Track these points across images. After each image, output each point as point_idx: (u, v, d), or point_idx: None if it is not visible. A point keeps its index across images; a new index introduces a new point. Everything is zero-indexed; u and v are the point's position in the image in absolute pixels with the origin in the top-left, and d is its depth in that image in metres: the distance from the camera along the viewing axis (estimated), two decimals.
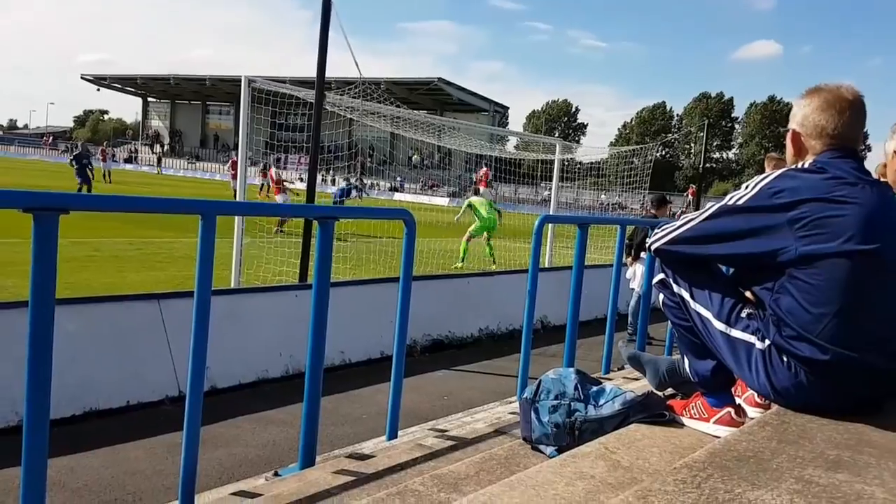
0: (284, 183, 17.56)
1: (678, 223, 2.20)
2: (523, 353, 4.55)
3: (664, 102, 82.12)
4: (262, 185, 26.50)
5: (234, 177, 20.20)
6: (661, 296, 2.32)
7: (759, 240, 2.01)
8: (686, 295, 2.20)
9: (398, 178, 54.77)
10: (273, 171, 18.09)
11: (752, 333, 2.08)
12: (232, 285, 7.66)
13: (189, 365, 2.79)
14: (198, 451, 2.75)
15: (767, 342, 2.04)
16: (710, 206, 2.14)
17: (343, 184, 22.33)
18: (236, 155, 20.86)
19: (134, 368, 5.14)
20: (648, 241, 2.29)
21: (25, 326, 2.19)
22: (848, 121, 2.10)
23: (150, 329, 5.30)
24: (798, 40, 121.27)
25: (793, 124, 2.20)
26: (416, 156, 58.73)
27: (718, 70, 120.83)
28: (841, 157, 2.07)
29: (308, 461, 3.17)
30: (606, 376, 5.29)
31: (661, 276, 2.29)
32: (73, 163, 22.10)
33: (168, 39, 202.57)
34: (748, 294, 2.20)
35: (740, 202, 2.06)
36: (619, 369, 5.79)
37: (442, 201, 46.37)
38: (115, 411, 4.89)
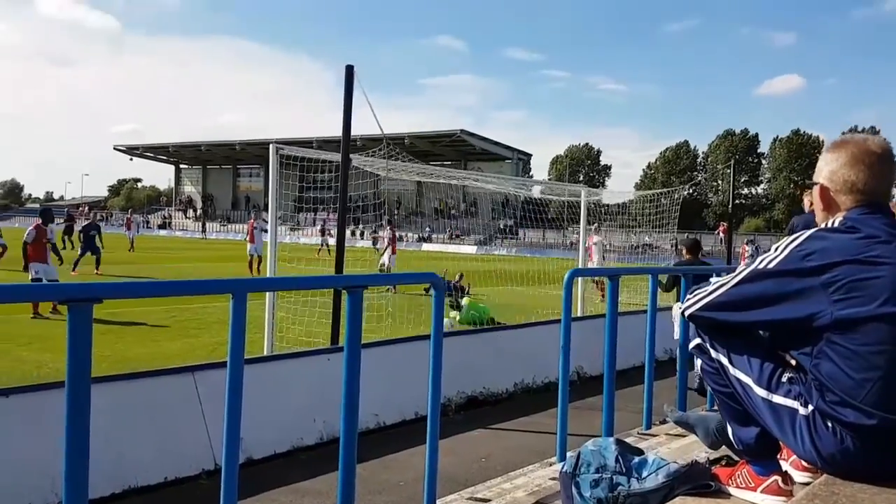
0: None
1: (710, 287, 2.15)
2: (560, 413, 4.47)
3: (687, 141, 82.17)
4: (322, 244, 28.11)
5: (252, 240, 21.08)
6: (699, 361, 2.26)
7: (793, 305, 1.96)
8: (724, 360, 2.15)
9: (427, 228, 55.09)
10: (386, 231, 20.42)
11: (795, 398, 2.01)
12: (265, 351, 7.69)
13: (223, 448, 2.78)
14: None
15: (811, 407, 1.97)
16: (742, 271, 2.09)
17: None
18: (258, 217, 21.83)
19: (170, 443, 5.14)
20: (681, 306, 2.24)
21: (63, 407, 2.22)
22: (877, 174, 2.05)
23: (185, 402, 5.31)
24: (821, 73, 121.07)
25: (820, 178, 2.14)
26: (441, 204, 59.08)
27: (742, 106, 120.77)
28: (871, 214, 2.02)
29: None
30: (648, 432, 5.17)
31: (698, 340, 2.24)
32: (81, 234, 21.51)
33: (197, 106, 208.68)
34: (788, 357, 2.14)
35: (771, 265, 2.01)
36: (661, 422, 5.65)
37: (470, 249, 46.54)
38: (152, 488, 4.87)
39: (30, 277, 12.17)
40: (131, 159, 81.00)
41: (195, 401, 5.33)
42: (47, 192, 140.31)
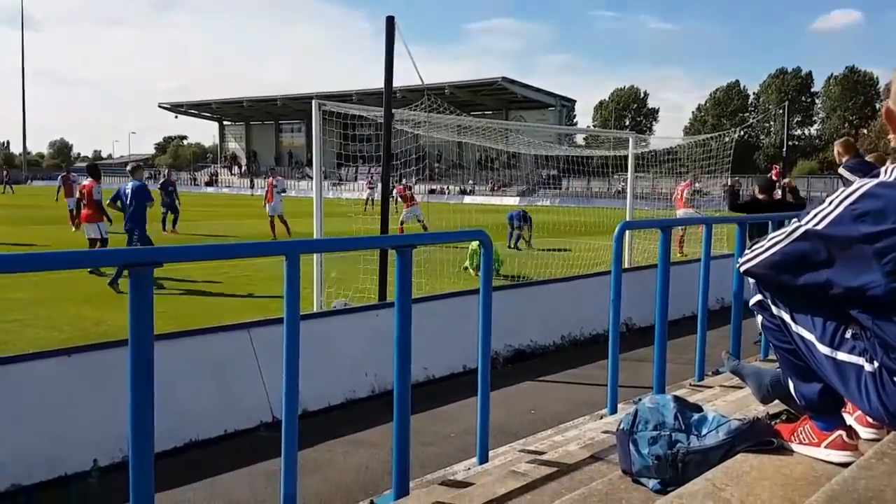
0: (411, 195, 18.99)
1: (766, 243, 2.07)
2: (611, 365, 4.46)
3: (738, 81, 79.56)
4: (368, 198, 27.95)
5: (270, 199, 19.67)
6: (760, 317, 2.20)
7: (845, 272, 1.86)
8: (787, 317, 2.08)
9: (471, 182, 54.83)
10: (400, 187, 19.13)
11: (860, 355, 1.94)
12: (315, 308, 7.81)
13: (283, 399, 2.84)
14: (297, 480, 2.80)
15: (876, 364, 1.90)
16: (797, 227, 1.98)
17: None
18: (275, 176, 20.88)
19: (228, 397, 5.30)
20: (739, 261, 2.18)
21: (124, 364, 2.29)
22: None
23: (242, 357, 5.45)
24: (880, 4, 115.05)
25: (890, 101, 1.98)
26: (482, 156, 58.67)
27: (795, 44, 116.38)
28: None
29: (402, 490, 3.18)
30: (701, 383, 5.13)
31: (759, 297, 2.18)
32: (161, 192, 21.24)
33: (240, 62, 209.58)
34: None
35: (821, 225, 1.90)
36: (713, 373, 5.60)
37: (512, 200, 46.21)
38: (213, 441, 5.05)
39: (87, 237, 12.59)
40: (176, 117, 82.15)
41: (251, 356, 5.47)
42: (95, 151, 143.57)
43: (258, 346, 5.49)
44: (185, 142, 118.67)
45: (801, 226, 1.97)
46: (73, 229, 17.85)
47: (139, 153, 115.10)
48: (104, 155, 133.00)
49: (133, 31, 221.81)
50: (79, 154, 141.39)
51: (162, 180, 22.99)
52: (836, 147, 8.03)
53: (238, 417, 5.25)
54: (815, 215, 1.94)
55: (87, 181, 13.08)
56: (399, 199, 18.56)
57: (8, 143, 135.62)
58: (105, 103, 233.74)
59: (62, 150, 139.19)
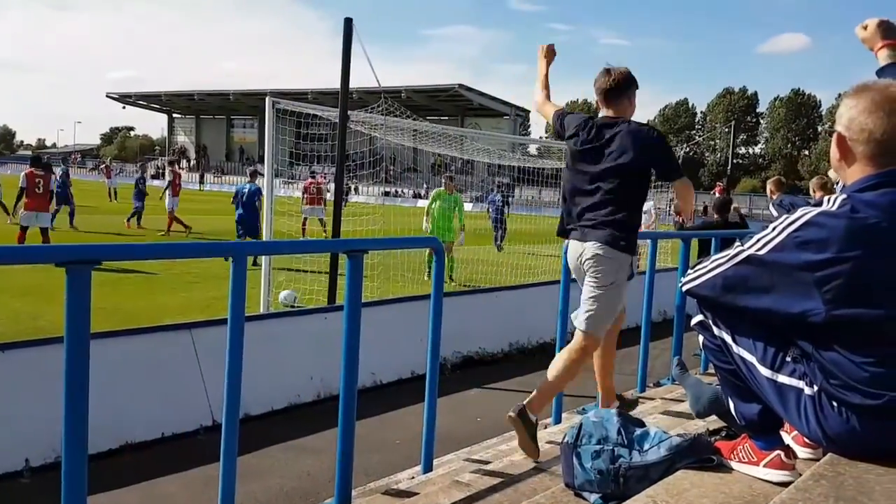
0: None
1: (709, 265, 2.10)
2: None
3: (686, 99, 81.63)
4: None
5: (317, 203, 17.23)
6: (702, 337, 2.24)
7: (785, 298, 1.90)
8: (728, 338, 2.12)
9: (425, 186, 54.81)
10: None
11: (800, 378, 1.98)
12: (261, 309, 7.69)
13: (224, 403, 2.78)
14: (235, 487, 2.75)
15: (816, 387, 1.95)
16: (739, 251, 2.01)
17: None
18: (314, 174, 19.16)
19: (168, 399, 5.17)
20: (682, 280, 2.21)
21: (61, 363, 2.21)
22: None
23: (183, 359, 5.32)
24: (827, 31, 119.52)
25: (839, 126, 2.01)
26: (438, 161, 58.72)
27: (743, 64, 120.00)
28: (880, 185, 1.90)
29: (344, 498, 3.15)
30: (643, 394, 5.21)
31: (700, 317, 2.22)
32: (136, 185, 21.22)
33: (194, 54, 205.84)
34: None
35: (764, 251, 1.94)
36: (654, 385, 5.70)
37: (466, 206, 46.33)
38: (150, 443, 4.91)
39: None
40: (123, 107, 79.94)
41: (193, 358, 5.34)
42: (39, 140, 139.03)
43: (200, 348, 5.37)
44: (132, 133, 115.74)
45: (743, 250, 2.00)
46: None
47: (84, 143, 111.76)
48: (48, 143, 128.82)
49: (85, 16, 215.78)
50: (21, 142, 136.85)
51: (137, 176, 22.17)
52: (769, 186, 8.31)
53: (177, 420, 5.13)
54: (758, 241, 1.97)
55: (38, 171, 12.85)
56: (304, 194, 16.48)
57: None
58: (52, 91, 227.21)
59: (4, 136, 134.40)
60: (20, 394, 4.54)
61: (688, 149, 68.67)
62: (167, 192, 19.29)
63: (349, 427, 3.15)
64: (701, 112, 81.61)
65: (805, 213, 1.91)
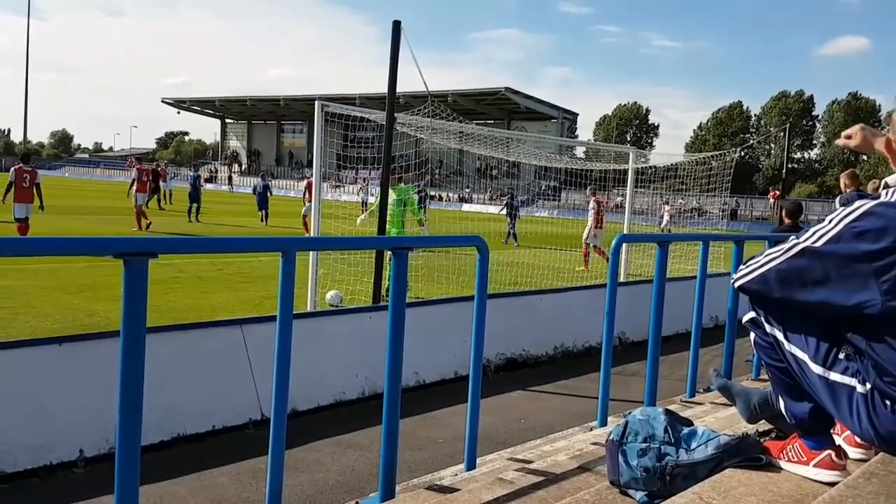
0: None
1: (762, 259, 2.07)
2: (602, 378, 4.45)
3: (740, 102, 79.85)
4: (363, 201, 27.57)
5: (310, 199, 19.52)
6: (753, 335, 2.20)
7: (842, 290, 1.86)
8: (779, 335, 2.08)
9: (467, 189, 54.89)
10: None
11: (852, 376, 1.94)
12: (308, 307, 7.79)
13: (273, 398, 2.83)
14: (283, 479, 2.79)
15: (868, 385, 1.90)
16: (794, 245, 1.98)
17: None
18: (310, 174, 20.80)
19: (218, 393, 5.28)
20: (734, 276, 2.18)
21: (115, 356, 2.27)
22: None
23: (234, 354, 5.43)
24: (888, 33, 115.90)
25: (891, 133, 2.04)
26: (483, 164, 58.70)
27: (799, 67, 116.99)
28: None
29: (388, 493, 3.16)
30: (692, 399, 5.12)
31: (752, 314, 2.18)
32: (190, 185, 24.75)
33: (245, 60, 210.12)
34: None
35: (820, 242, 1.91)
36: (705, 391, 5.59)
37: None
38: (200, 436, 5.02)
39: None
40: (178, 112, 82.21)
41: (243, 352, 5.45)
42: (96, 143, 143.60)
43: (250, 343, 5.48)
44: (186, 138, 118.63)
45: (798, 243, 1.97)
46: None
47: (140, 147, 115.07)
48: (105, 147, 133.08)
49: (139, 22, 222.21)
50: (79, 145, 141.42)
51: (192, 175, 25.63)
52: (843, 179, 8.06)
53: (227, 413, 5.23)
54: (814, 233, 1.94)
55: (26, 168, 14.14)
56: (305, 192, 17.97)
57: (9, 130, 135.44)
58: (108, 95, 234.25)
59: (63, 140, 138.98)
60: (76, 386, 4.68)
61: (742, 153, 67.25)
62: (132, 188, 19.95)
63: (393, 423, 3.18)
64: (755, 115, 79.84)
65: (862, 205, 1.89)
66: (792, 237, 2.04)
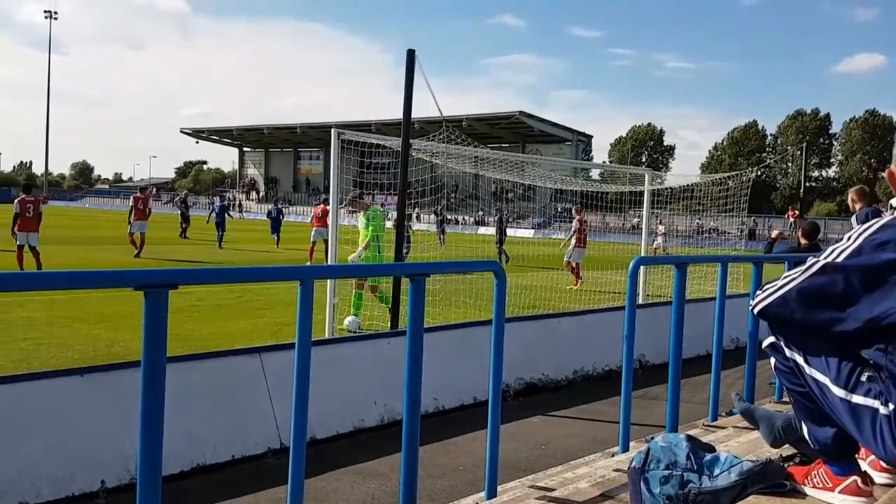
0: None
1: (780, 282, 2.06)
2: (623, 402, 4.41)
3: (756, 122, 79.76)
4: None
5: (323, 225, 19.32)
6: (773, 360, 2.18)
7: (863, 303, 1.86)
8: (800, 360, 2.06)
9: (480, 213, 54.97)
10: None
11: (875, 398, 1.91)
12: (326, 334, 7.81)
13: (292, 426, 2.83)
14: None
15: (892, 406, 1.88)
16: (812, 263, 1.99)
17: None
18: (326, 200, 21.43)
19: (237, 422, 5.28)
20: (752, 302, 2.17)
21: (136, 386, 2.29)
22: None
23: (252, 382, 5.44)
24: None
25: (893, 164, 2.06)
26: (498, 188, 58.81)
27: (815, 85, 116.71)
28: None
29: None
30: (715, 423, 5.05)
31: (772, 338, 2.16)
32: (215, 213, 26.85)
33: (261, 89, 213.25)
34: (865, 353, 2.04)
35: (841, 258, 1.91)
36: (727, 414, 5.52)
37: (527, 233, 46.18)
38: (220, 466, 5.02)
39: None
40: (197, 142, 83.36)
41: (262, 381, 5.46)
42: (116, 174, 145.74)
43: (269, 372, 5.49)
44: (205, 167, 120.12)
45: (818, 261, 1.98)
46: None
47: (160, 177, 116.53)
48: (125, 177, 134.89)
49: (158, 55, 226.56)
50: (99, 176, 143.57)
51: (219, 204, 27.58)
52: (850, 194, 8.00)
53: (246, 443, 5.23)
54: (833, 251, 1.95)
55: (29, 198, 15.05)
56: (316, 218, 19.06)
57: (31, 163, 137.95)
58: (127, 126, 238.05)
59: (83, 171, 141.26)
60: (97, 417, 4.71)
61: (759, 172, 66.95)
62: (131, 216, 20.43)
63: (413, 451, 3.16)
64: (771, 134, 79.61)
65: (880, 220, 1.93)
66: (811, 257, 2.04)
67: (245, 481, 4.83)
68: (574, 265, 16.54)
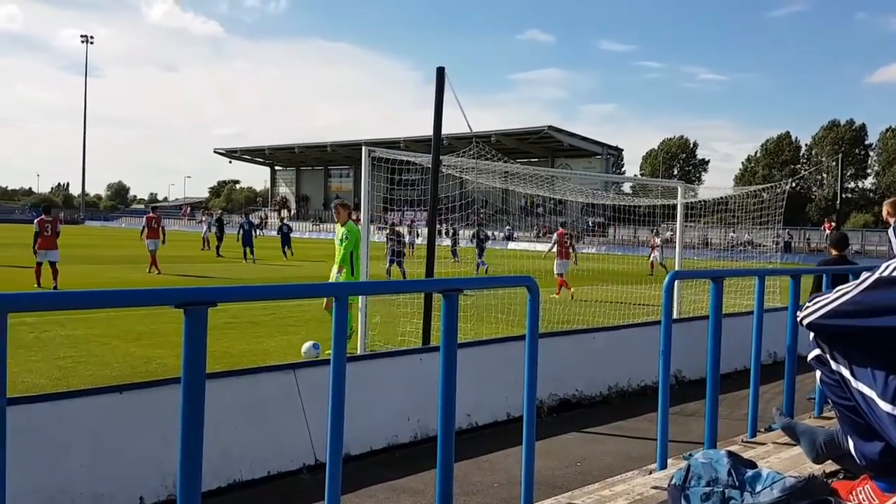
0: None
1: (832, 295, 2.04)
2: (661, 418, 4.35)
3: (789, 133, 78.61)
4: (410, 243, 31.48)
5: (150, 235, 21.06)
6: (819, 373, 2.14)
7: None
8: (846, 373, 2.03)
9: (507, 228, 54.88)
10: None
11: None
12: (358, 350, 7.84)
13: (328, 443, 2.84)
14: None
15: None
16: (868, 276, 1.98)
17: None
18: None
19: (272, 438, 5.31)
20: (799, 314, 2.14)
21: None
22: None
23: (287, 399, 5.47)
24: None
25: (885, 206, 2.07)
26: (528, 202, 58.69)
27: (849, 96, 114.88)
28: None
29: None
30: (754, 439, 4.96)
31: (817, 351, 2.12)
32: (241, 228, 27.95)
33: (293, 108, 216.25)
34: None
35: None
36: (766, 430, 5.41)
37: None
38: (257, 481, 5.05)
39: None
40: (230, 162, 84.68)
41: (296, 397, 5.49)
42: (151, 194, 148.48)
43: (303, 388, 5.52)
44: (238, 186, 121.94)
45: (871, 276, 1.98)
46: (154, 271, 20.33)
47: (194, 196, 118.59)
48: (160, 197, 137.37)
49: (190, 77, 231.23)
50: (135, 196, 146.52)
51: (247, 222, 28.97)
52: (886, 207, 7.86)
53: (282, 459, 5.26)
54: (887, 267, 1.95)
55: (48, 218, 16.39)
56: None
57: (68, 184, 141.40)
58: (162, 147, 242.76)
59: (119, 192, 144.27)
60: (135, 433, 4.77)
61: (794, 184, 65.99)
62: (143, 235, 21.48)
63: (448, 468, 3.15)
64: (805, 145, 78.44)
65: None
66: (864, 273, 2.03)
67: (281, 498, 4.85)
68: (557, 275, 17.42)
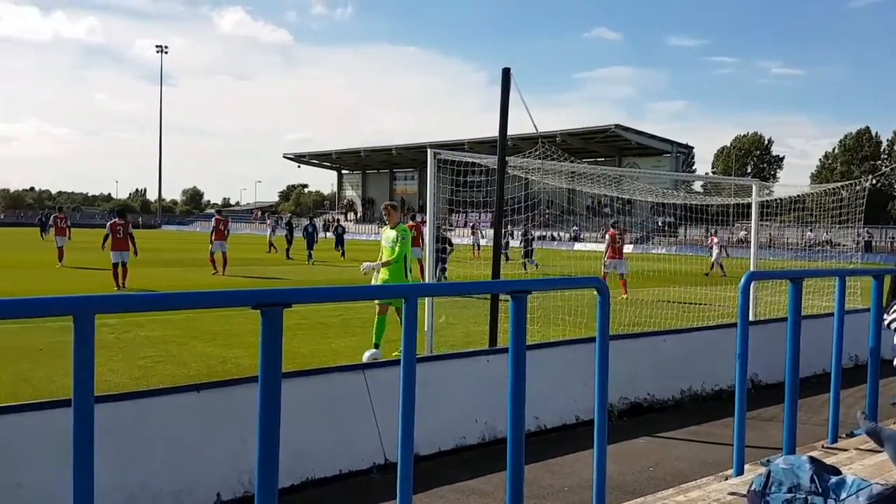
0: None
1: None
2: (737, 423, 4.23)
3: (868, 128, 75.21)
4: (474, 244, 34.30)
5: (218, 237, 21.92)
6: None
7: None
8: None
9: (574, 228, 54.26)
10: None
11: None
12: (426, 352, 7.89)
13: (399, 443, 2.87)
14: None
15: None
16: None
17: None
18: (414, 218, 22.20)
19: (343, 438, 5.39)
20: (886, 317, 2.04)
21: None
22: None
23: (357, 398, 5.55)
24: None
25: None
26: (595, 202, 57.93)
27: None
28: None
29: None
30: (835, 445, 4.77)
31: None
32: (305, 231, 29.89)
33: (360, 113, 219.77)
34: None
35: None
36: (847, 436, 5.20)
37: (626, 248, 45.19)
38: (329, 480, 5.13)
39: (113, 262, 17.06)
40: (299, 166, 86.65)
41: (365, 397, 5.56)
42: (224, 199, 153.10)
43: (372, 388, 5.59)
44: (306, 190, 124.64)
45: None
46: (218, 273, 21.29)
47: (264, 200, 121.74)
48: (232, 202, 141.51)
49: (262, 85, 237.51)
50: (209, 201, 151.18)
51: (311, 224, 30.74)
52: None
53: (352, 458, 5.33)
54: None
55: (119, 221, 17.60)
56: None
57: (145, 190, 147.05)
58: (235, 153, 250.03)
59: (194, 197, 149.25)
60: (212, 431, 4.90)
61: (874, 181, 63.07)
62: (212, 236, 22.20)
63: (518, 471, 3.14)
64: (886, 140, 74.90)
65: None
66: None
67: (353, 497, 4.92)
68: (610, 275, 17.01)
